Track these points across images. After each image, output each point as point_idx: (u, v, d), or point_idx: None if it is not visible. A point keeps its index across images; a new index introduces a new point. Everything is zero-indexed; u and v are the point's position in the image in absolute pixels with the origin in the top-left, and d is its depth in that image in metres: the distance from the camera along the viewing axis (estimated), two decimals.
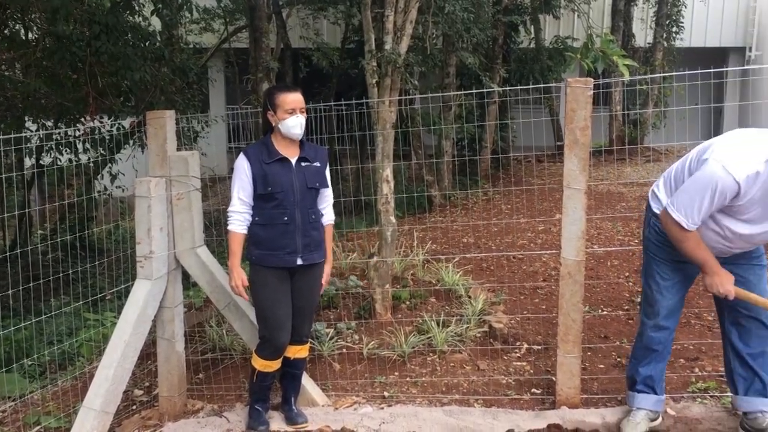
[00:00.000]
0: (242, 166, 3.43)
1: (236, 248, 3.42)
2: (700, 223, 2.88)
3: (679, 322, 4.64)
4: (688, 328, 4.69)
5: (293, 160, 3.47)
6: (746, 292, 3.00)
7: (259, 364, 3.50)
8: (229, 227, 3.43)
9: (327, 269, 3.67)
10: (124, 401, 4.17)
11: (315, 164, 3.52)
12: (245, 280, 3.44)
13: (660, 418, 3.33)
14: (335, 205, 3.77)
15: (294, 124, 3.40)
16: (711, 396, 3.65)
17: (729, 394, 3.55)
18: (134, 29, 6.61)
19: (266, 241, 3.41)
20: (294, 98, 3.43)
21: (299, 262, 3.45)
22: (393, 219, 5.06)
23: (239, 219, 3.43)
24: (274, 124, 3.45)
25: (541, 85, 11.34)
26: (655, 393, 3.29)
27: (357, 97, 4.72)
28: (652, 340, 3.26)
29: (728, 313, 3.19)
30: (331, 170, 3.70)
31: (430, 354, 4.45)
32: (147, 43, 6.71)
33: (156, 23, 7.96)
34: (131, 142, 7.73)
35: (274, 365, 3.53)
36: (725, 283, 2.92)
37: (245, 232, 3.45)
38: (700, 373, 3.96)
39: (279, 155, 3.44)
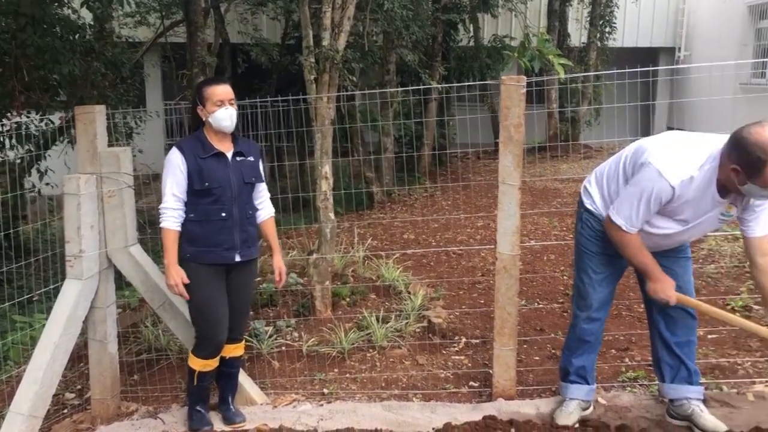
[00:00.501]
0: (176, 161, 3.33)
1: (171, 246, 3.32)
2: (640, 226, 2.97)
3: (610, 314, 4.81)
4: (619, 319, 4.83)
5: (229, 155, 3.41)
6: (687, 297, 3.10)
7: (198, 364, 3.44)
8: (162, 224, 3.33)
9: (279, 262, 3.63)
10: (54, 405, 4.04)
11: (249, 158, 3.47)
12: (185, 277, 3.33)
13: (591, 407, 3.43)
14: (276, 202, 3.73)
15: (223, 117, 3.32)
16: (640, 385, 3.78)
17: (657, 382, 3.69)
18: (62, 21, 6.38)
19: (203, 238, 3.34)
20: (222, 90, 3.36)
21: (237, 258, 3.40)
22: (332, 216, 5.06)
23: (173, 216, 3.33)
24: (204, 119, 3.37)
25: (480, 83, 11.49)
26: (587, 383, 3.38)
27: (298, 93, 4.68)
28: (585, 332, 3.34)
29: (655, 303, 3.30)
30: (271, 167, 3.66)
31: (370, 350, 4.46)
32: (76, 36, 6.49)
33: (87, 16, 7.72)
34: (62, 138, 7.48)
35: (213, 364, 3.48)
36: (667, 290, 3.02)
37: (178, 228, 3.34)
38: (630, 363, 4.09)
39: (215, 150, 3.37)
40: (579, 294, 3.37)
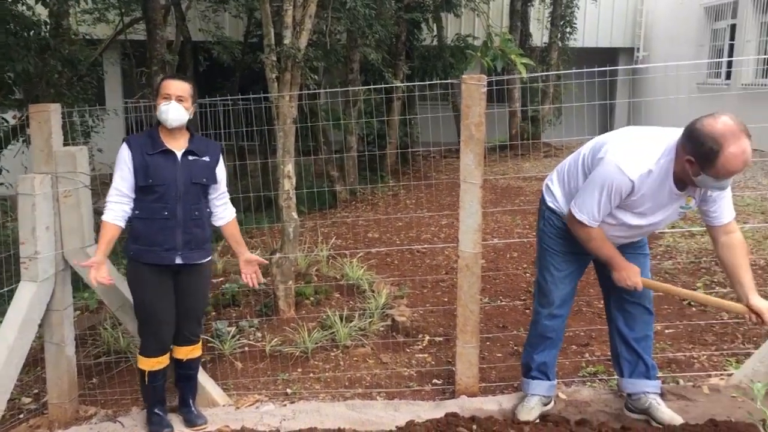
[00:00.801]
0: (123, 156, 3.28)
1: (105, 239, 3.26)
2: (601, 219, 3.02)
3: (571, 310, 4.88)
4: (580, 315, 4.91)
5: (179, 153, 3.34)
6: (653, 282, 3.18)
7: (146, 364, 3.40)
8: (103, 217, 3.28)
9: (251, 256, 3.60)
10: (10, 410, 3.94)
11: (204, 159, 3.40)
12: (106, 277, 3.27)
13: (552, 403, 3.47)
14: (239, 202, 3.68)
15: (164, 110, 3.26)
16: (600, 379, 3.84)
17: (616, 377, 3.75)
18: (17, 18, 6.21)
19: (145, 236, 3.29)
20: (172, 85, 3.31)
21: (178, 261, 3.34)
22: (295, 215, 5.03)
23: (114, 210, 3.27)
24: (156, 113, 3.34)
25: (444, 81, 11.55)
26: (548, 379, 3.42)
27: (261, 92, 4.64)
28: (547, 329, 3.38)
29: (614, 300, 3.36)
30: (234, 166, 3.61)
31: (334, 349, 4.45)
32: (31, 33, 6.33)
33: (43, 12, 7.54)
34: (18, 137, 7.30)
35: (161, 363, 3.43)
36: (632, 276, 3.06)
37: (119, 224, 3.29)
38: (590, 358, 4.15)
39: (163, 147, 3.31)
40: (541, 291, 3.41)
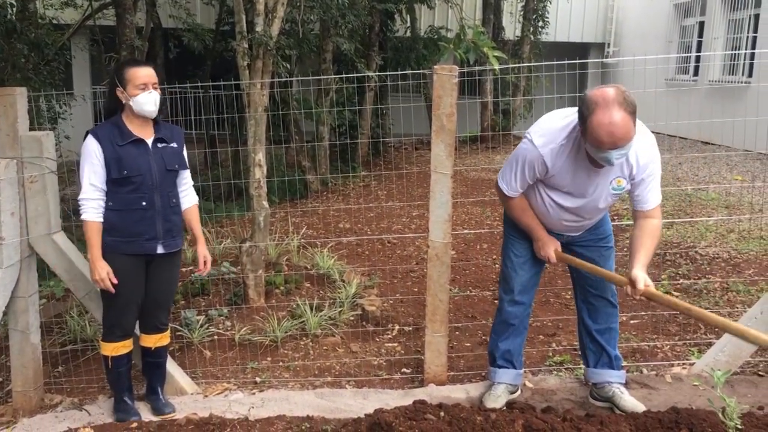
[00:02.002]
0: (92, 149, 3.19)
1: (94, 239, 3.20)
2: (520, 190, 3.15)
3: (539, 301, 4.95)
4: (548, 306, 4.98)
5: (149, 141, 3.29)
6: (569, 257, 3.24)
7: (109, 349, 3.36)
8: (83, 217, 3.20)
9: (203, 250, 3.54)
10: None
11: (172, 145, 3.36)
12: (111, 272, 3.21)
13: (519, 391, 3.52)
14: (210, 191, 3.65)
15: (146, 101, 3.20)
16: (566, 368, 3.90)
17: (582, 366, 3.82)
18: None
19: (122, 227, 3.22)
20: (145, 73, 3.23)
21: (160, 249, 3.31)
22: (266, 204, 5.01)
23: (93, 207, 3.20)
24: (124, 102, 3.24)
25: (416, 71, 11.57)
26: (514, 367, 3.47)
27: (233, 80, 4.61)
28: (509, 315, 3.43)
29: (579, 292, 3.41)
30: (205, 154, 3.58)
31: (303, 338, 4.45)
32: None
33: None
34: None
35: (125, 347, 3.40)
36: (545, 247, 3.21)
37: (100, 220, 3.22)
38: (556, 348, 4.22)
39: (133, 136, 3.24)
40: (504, 278, 3.47)
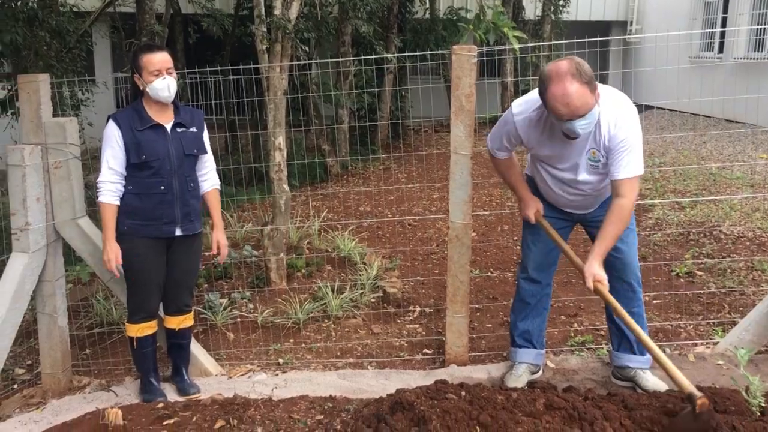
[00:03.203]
0: (112, 134, 3.23)
1: (109, 221, 3.25)
2: (497, 150, 3.29)
3: (560, 281, 4.93)
4: (569, 286, 4.96)
5: (168, 126, 3.32)
6: (546, 224, 3.25)
7: (134, 330, 3.42)
8: (99, 199, 3.25)
9: (219, 236, 3.58)
10: (4, 381, 3.98)
11: (192, 130, 3.38)
12: (119, 256, 3.27)
13: (541, 371, 3.52)
14: (232, 175, 3.67)
15: (161, 87, 3.23)
16: (587, 348, 3.89)
17: (603, 346, 3.81)
18: None
19: (141, 211, 3.28)
20: (159, 59, 3.25)
21: (178, 232, 3.35)
22: (286, 187, 5.03)
23: (110, 189, 3.25)
24: (141, 88, 3.28)
25: (436, 52, 11.50)
26: (534, 347, 3.47)
27: (252, 65, 4.61)
28: (526, 293, 3.44)
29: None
30: (226, 139, 3.59)
31: (325, 320, 4.49)
32: (18, 3, 6.23)
33: None
34: (8, 110, 7.23)
35: (150, 328, 3.46)
36: (526, 208, 3.29)
37: (118, 203, 3.27)
38: (578, 328, 4.21)
39: (152, 121, 3.28)
40: (522, 255, 3.51)
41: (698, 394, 2.49)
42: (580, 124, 2.79)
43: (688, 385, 2.53)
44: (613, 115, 2.90)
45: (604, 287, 2.90)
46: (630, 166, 2.91)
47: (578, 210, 3.29)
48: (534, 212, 3.27)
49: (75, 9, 10.13)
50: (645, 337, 2.79)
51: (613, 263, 3.25)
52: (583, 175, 3.07)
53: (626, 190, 2.92)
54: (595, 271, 2.86)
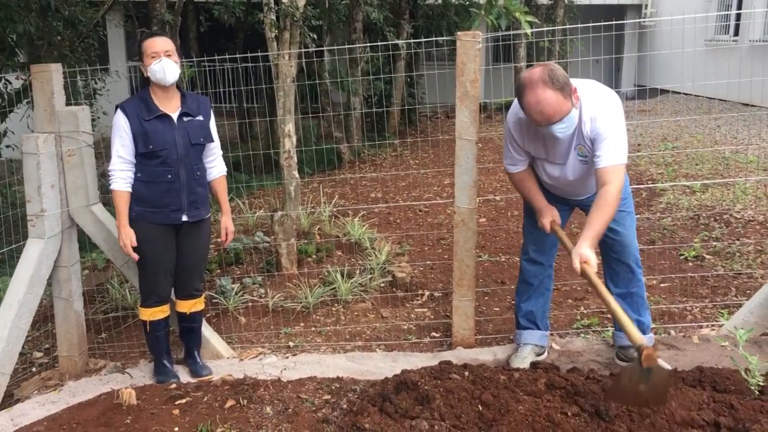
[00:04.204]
0: (120, 124, 3.32)
1: (122, 207, 3.34)
2: (509, 164, 3.31)
3: (568, 266, 4.96)
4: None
5: (174, 116, 3.38)
6: (561, 233, 3.25)
7: (147, 314, 3.52)
8: (111, 186, 3.35)
9: (227, 221, 3.66)
10: (22, 364, 4.09)
11: (198, 118, 3.44)
12: (134, 239, 3.36)
13: (546, 353, 3.57)
14: (243, 163, 3.73)
15: (157, 69, 3.28)
16: (593, 331, 3.93)
17: (609, 328, 3.85)
18: None
19: (149, 198, 3.36)
20: (158, 42, 3.32)
21: (185, 218, 3.43)
22: (296, 174, 5.10)
23: (121, 177, 3.34)
24: (146, 75, 3.35)
25: (447, 39, 11.47)
26: (539, 328, 3.52)
27: (262, 53, 4.67)
28: (528, 273, 3.49)
29: (603, 256, 3.43)
30: (238, 126, 3.65)
31: (335, 304, 4.56)
32: None
33: None
34: (23, 99, 7.34)
35: (162, 311, 3.55)
36: (542, 218, 3.28)
37: (130, 189, 3.36)
38: (584, 311, 4.24)
39: (159, 111, 3.34)
40: (523, 238, 3.56)
41: (645, 344, 2.44)
42: (558, 128, 2.89)
43: (639, 338, 2.50)
44: (593, 110, 2.96)
45: (591, 268, 2.92)
46: (613, 155, 2.95)
47: (575, 197, 3.35)
48: (550, 221, 3.26)
49: None
50: (622, 317, 2.78)
51: (611, 245, 3.30)
52: (575, 170, 3.15)
53: (611, 176, 2.95)
54: (582, 251, 2.90)
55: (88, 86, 7.71)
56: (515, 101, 3.12)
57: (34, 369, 4.11)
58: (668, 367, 3.25)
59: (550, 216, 3.27)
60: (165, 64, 3.28)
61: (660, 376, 2.47)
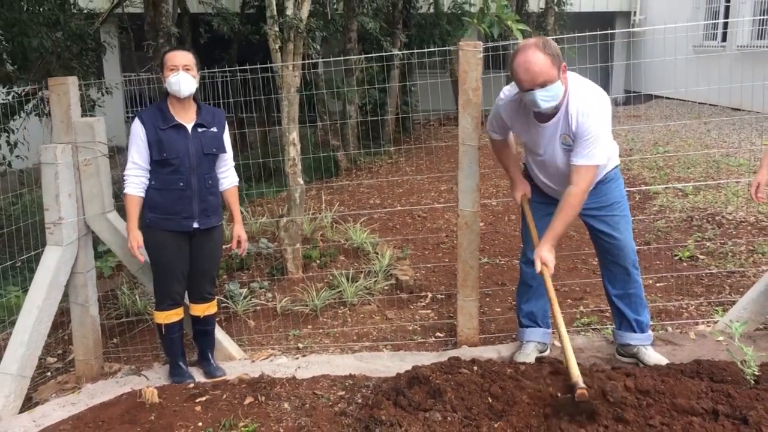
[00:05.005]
0: (137, 132, 3.47)
1: (132, 211, 3.48)
2: (490, 131, 3.54)
3: (566, 267, 5.12)
4: (575, 272, 5.13)
5: (189, 126, 3.52)
6: (527, 208, 3.48)
7: (162, 317, 3.64)
8: (125, 190, 3.49)
9: (239, 230, 3.79)
10: (37, 369, 4.18)
11: (212, 129, 3.59)
12: (140, 241, 3.50)
13: (548, 350, 3.70)
14: (242, 172, 3.87)
15: (174, 81, 3.43)
16: (593, 329, 4.07)
17: (608, 326, 3.99)
18: None
19: (162, 205, 3.49)
20: (177, 56, 3.48)
21: (195, 225, 3.56)
22: (301, 180, 5.23)
23: (135, 182, 3.48)
24: (164, 86, 3.51)
25: (441, 48, 11.64)
26: (540, 326, 3.65)
27: (259, 63, 4.80)
28: (527, 275, 3.60)
29: (599, 257, 3.56)
30: (235, 137, 3.79)
31: (341, 307, 4.69)
32: (41, 9, 6.44)
33: None
34: (25, 110, 7.43)
35: (176, 315, 3.68)
36: (514, 190, 3.53)
37: (142, 195, 3.50)
38: (584, 310, 4.38)
39: (174, 121, 3.49)
40: (522, 242, 3.68)
41: (581, 384, 2.64)
42: (541, 95, 2.97)
43: (577, 376, 2.68)
44: (583, 104, 3.06)
45: (547, 271, 3.09)
46: (590, 156, 3.07)
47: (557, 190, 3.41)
48: (521, 194, 3.49)
49: (85, 11, 10.34)
50: (559, 320, 2.96)
51: (608, 249, 3.42)
52: (560, 159, 3.23)
53: (579, 178, 3.09)
54: (542, 254, 3.06)
55: (88, 99, 7.80)
56: (510, 85, 3.27)
57: (48, 374, 4.21)
58: (666, 360, 3.39)
59: (521, 190, 3.48)
60: (181, 78, 3.42)
61: (587, 408, 2.62)
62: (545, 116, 3.15)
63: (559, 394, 2.74)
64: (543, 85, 2.95)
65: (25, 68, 6.27)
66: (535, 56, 2.93)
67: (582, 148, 3.07)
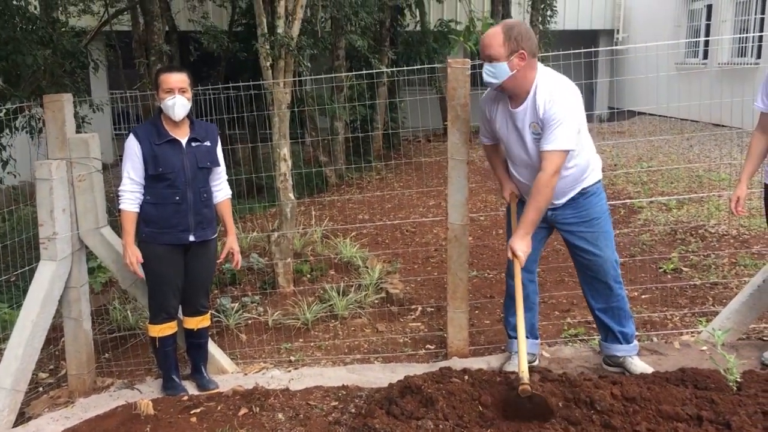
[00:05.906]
0: (132, 147, 3.53)
1: (129, 227, 3.53)
2: (481, 137, 3.63)
3: (553, 280, 5.20)
4: (563, 284, 5.22)
5: (183, 141, 3.59)
6: (513, 207, 3.57)
7: (156, 330, 3.68)
8: (120, 206, 3.54)
9: (233, 243, 3.84)
10: (29, 384, 4.17)
11: (206, 143, 3.65)
12: (140, 257, 3.55)
13: (537, 360, 3.77)
14: (232, 188, 3.93)
15: (171, 105, 3.49)
16: (580, 340, 4.15)
17: (594, 337, 4.06)
18: (21, 12, 6.38)
19: (158, 219, 3.55)
20: (172, 78, 3.52)
21: (192, 239, 3.61)
22: (292, 196, 5.29)
23: (130, 198, 3.53)
24: (158, 104, 3.57)
25: (428, 66, 11.77)
26: (528, 337, 3.69)
27: (248, 80, 4.87)
28: (511, 288, 3.62)
29: (579, 273, 3.60)
30: (225, 152, 3.86)
31: (332, 320, 4.74)
32: (33, 27, 6.50)
33: (31, 2, 7.62)
34: (15, 126, 7.44)
35: (170, 328, 3.71)
36: (502, 190, 3.64)
37: (137, 210, 3.55)
38: (571, 321, 4.46)
39: (169, 136, 3.55)
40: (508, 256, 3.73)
41: (524, 380, 2.80)
42: (486, 68, 3.19)
43: (522, 372, 2.84)
44: (549, 91, 3.17)
45: (518, 262, 3.21)
46: (558, 140, 3.13)
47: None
48: (509, 192, 3.59)
49: (73, 29, 10.39)
50: (520, 323, 3.10)
51: (587, 265, 3.48)
52: (531, 149, 3.29)
53: (546, 163, 3.16)
54: (514, 244, 3.20)
55: (77, 116, 7.83)
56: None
57: (40, 389, 4.22)
58: (651, 369, 3.47)
59: (509, 189, 3.58)
60: (177, 101, 3.50)
61: (537, 400, 2.77)
62: (516, 101, 3.27)
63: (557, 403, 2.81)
64: (489, 59, 3.16)
65: (16, 85, 6.31)
66: (493, 31, 3.18)
67: (548, 133, 3.15)
